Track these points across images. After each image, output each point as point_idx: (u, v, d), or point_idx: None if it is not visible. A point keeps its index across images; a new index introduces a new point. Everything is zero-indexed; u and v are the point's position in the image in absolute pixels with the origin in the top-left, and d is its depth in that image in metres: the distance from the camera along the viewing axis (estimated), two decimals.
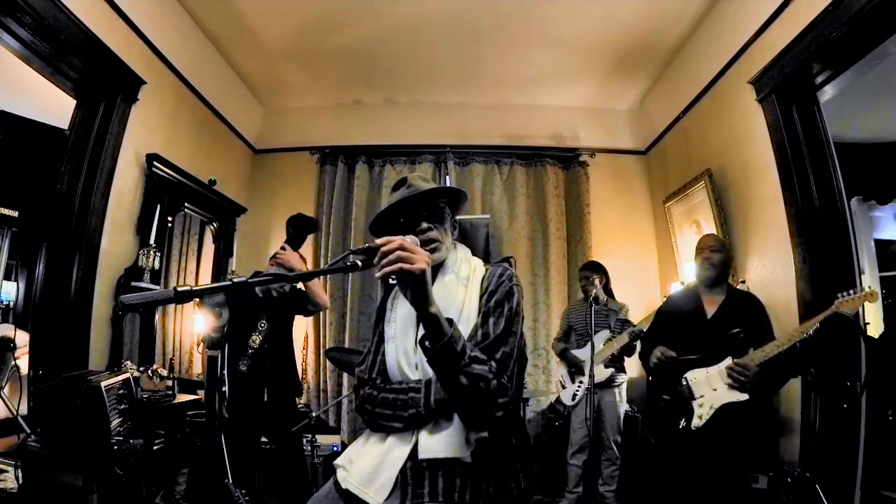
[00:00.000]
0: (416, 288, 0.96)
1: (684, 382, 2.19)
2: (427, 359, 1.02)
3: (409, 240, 1.11)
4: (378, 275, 0.94)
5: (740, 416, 2.08)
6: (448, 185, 1.39)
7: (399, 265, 0.93)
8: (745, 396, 2.05)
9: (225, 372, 1.49)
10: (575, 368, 3.20)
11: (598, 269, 3.32)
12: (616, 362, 3.09)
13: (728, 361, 2.10)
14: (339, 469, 1.15)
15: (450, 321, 1.01)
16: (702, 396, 2.13)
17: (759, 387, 2.07)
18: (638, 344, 3.10)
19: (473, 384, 0.99)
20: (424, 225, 1.20)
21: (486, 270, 1.22)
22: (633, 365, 3.88)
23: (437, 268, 1.22)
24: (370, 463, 1.09)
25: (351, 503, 1.08)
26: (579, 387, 3.14)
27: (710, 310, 2.29)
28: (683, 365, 2.21)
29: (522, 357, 1.19)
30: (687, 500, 2.22)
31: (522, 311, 1.17)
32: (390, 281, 0.98)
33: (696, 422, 2.11)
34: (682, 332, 2.30)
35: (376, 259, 0.95)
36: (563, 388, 3.27)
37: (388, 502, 1.04)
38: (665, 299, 2.79)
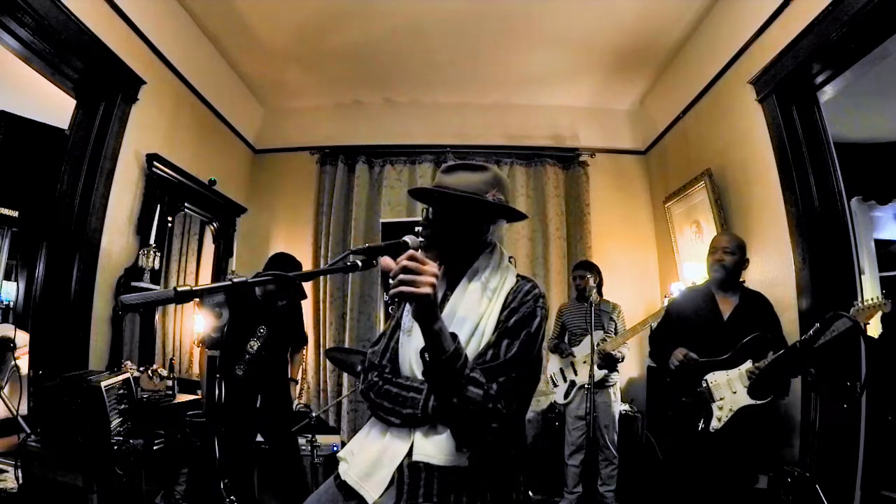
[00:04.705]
0: (420, 307, 0.94)
1: (704, 384, 2.18)
2: (423, 370, 1.01)
3: (410, 240, 1.10)
4: (386, 299, 0.94)
5: (757, 418, 2.09)
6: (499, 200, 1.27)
7: (400, 289, 0.91)
8: (765, 399, 2.07)
9: (222, 375, 1.49)
10: (567, 356, 3.21)
11: (591, 268, 3.33)
12: (609, 364, 3.10)
13: (748, 364, 2.10)
14: (342, 461, 1.15)
15: (454, 336, 0.99)
16: (721, 399, 2.13)
17: (766, 389, 2.08)
18: (625, 351, 3.11)
19: (464, 406, 0.97)
20: (423, 222, 1.18)
21: (516, 283, 1.16)
22: (632, 365, 3.89)
23: (466, 267, 1.18)
24: (369, 458, 1.09)
25: (349, 497, 1.08)
26: (571, 386, 3.15)
27: (726, 311, 2.26)
28: (704, 367, 2.20)
29: (535, 375, 1.15)
30: (692, 500, 2.22)
31: (544, 333, 1.13)
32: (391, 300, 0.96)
33: (715, 423, 2.11)
34: (698, 333, 2.27)
35: (390, 276, 0.93)
36: (555, 385, 3.28)
37: (384, 499, 1.04)
38: (675, 297, 2.76)
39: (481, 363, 1.04)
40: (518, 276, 1.20)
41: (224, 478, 1.59)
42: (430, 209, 1.21)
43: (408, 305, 1.21)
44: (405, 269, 0.92)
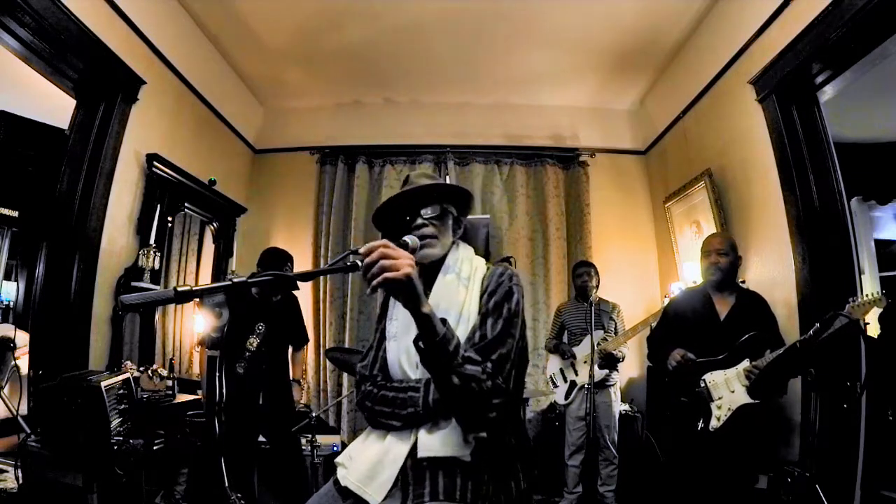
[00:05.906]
0: (405, 292, 0.95)
1: (703, 384, 2.19)
2: (420, 358, 1.02)
3: (410, 240, 1.12)
4: (368, 292, 0.95)
5: (755, 417, 2.09)
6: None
7: (383, 276, 0.92)
8: (764, 398, 2.08)
9: (222, 374, 1.49)
10: (568, 357, 3.20)
11: (592, 267, 3.35)
12: (610, 364, 3.10)
13: (745, 364, 2.11)
14: (340, 467, 1.16)
15: (443, 320, 1.01)
16: (720, 398, 2.14)
17: (765, 389, 2.08)
18: (625, 350, 3.12)
19: (465, 385, 0.99)
20: (419, 220, 1.20)
21: (488, 270, 1.21)
22: (632, 365, 3.89)
23: (438, 265, 1.21)
24: (370, 461, 1.09)
25: (350, 501, 1.08)
26: (571, 386, 3.15)
27: (722, 311, 2.27)
28: (701, 367, 2.21)
29: (523, 358, 1.18)
30: (692, 500, 2.22)
31: (523, 311, 1.16)
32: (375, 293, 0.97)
33: (714, 423, 2.12)
34: (695, 334, 2.28)
35: (362, 272, 0.94)
36: (555, 386, 3.28)
37: (387, 501, 1.04)
38: (672, 298, 2.77)
39: (472, 345, 1.06)
40: (487, 263, 1.25)
41: (228, 476, 1.60)
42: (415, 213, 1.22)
43: (390, 312, 1.25)
44: (382, 257, 0.93)
